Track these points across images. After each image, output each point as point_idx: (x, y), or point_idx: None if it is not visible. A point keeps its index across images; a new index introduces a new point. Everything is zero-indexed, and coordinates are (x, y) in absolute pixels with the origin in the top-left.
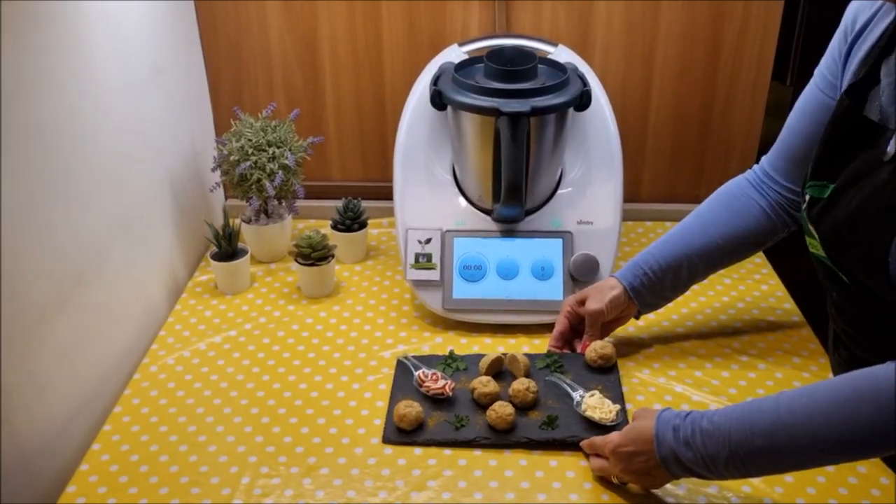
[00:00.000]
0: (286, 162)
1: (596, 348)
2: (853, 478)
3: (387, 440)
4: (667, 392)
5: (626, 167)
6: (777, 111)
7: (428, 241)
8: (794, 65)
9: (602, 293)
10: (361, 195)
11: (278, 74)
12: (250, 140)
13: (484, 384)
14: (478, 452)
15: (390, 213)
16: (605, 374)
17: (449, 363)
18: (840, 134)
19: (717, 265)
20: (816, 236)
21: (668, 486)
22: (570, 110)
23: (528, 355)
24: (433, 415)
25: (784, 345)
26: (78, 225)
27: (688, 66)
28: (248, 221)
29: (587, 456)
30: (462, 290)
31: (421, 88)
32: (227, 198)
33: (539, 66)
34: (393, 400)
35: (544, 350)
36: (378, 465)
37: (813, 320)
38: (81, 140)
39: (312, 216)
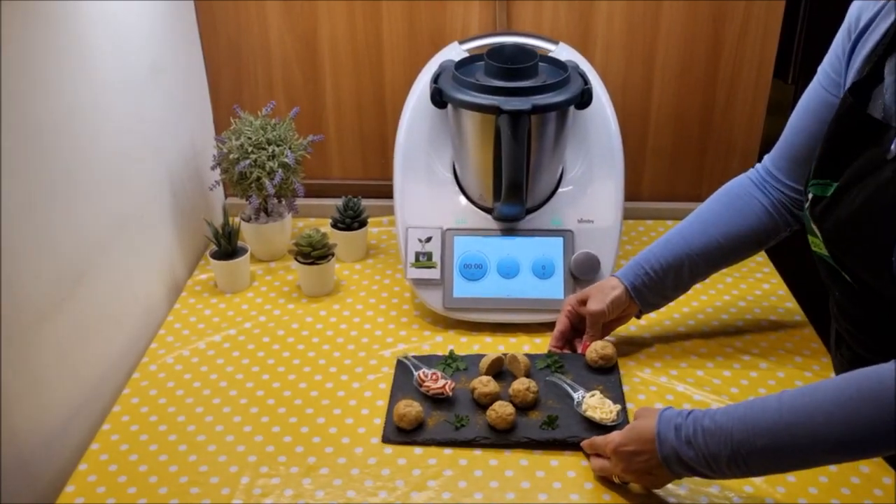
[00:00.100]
0: (286, 160)
1: (597, 348)
2: (855, 477)
3: (386, 440)
4: (668, 391)
5: (627, 165)
6: (778, 109)
7: (428, 239)
8: (795, 62)
9: (603, 293)
10: (361, 193)
11: (278, 73)
12: (250, 138)
13: (484, 384)
14: (478, 452)
15: (390, 211)
16: (605, 374)
17: (449, 363)
18: (843, 132)
19: (719, 264)
20: (819, 235)
21: (669, 486)
22: (571, 108)
23: (528, 355)
24: (433, 414)
25: (786, 344)
26: (77, 224)
27: (689, 65)
28: (248, 220)
29: (588, 456)
30: (462, 288)
31: (421, 86)
32: (226, 196)
33: (540, 64)
34: (393, 399)
35: (545, 349)
36: (378, 464)
37: (814, 319)
38: (81, 139)
39: (312, 215)
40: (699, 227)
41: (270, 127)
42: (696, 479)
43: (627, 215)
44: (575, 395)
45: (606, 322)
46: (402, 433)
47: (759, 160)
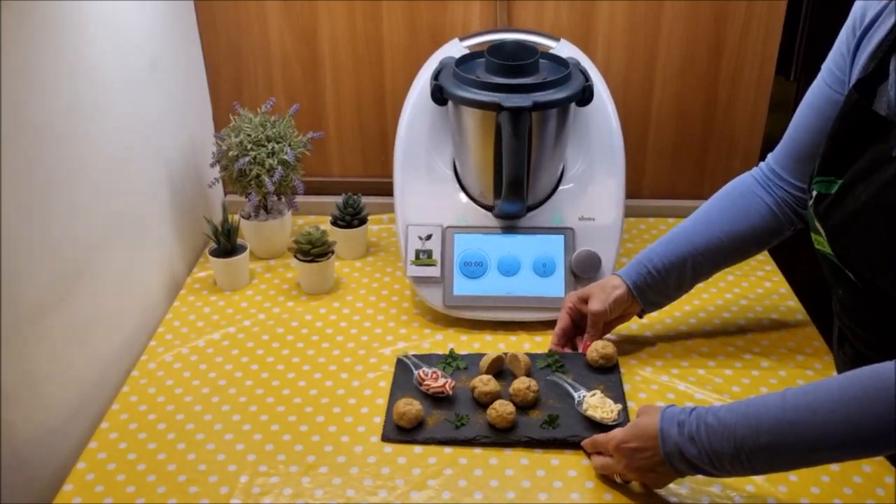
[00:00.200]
0: (285, 157)
1: (597, 348)
2: (858, 477)
3: (386, 438)
4: (669, 390)
5: (628, 163)
6: (780, 107)
7: (428, 237)
8: (797, 60)
9: (605, 293)
10: (361, 191)
11: (278, 70)
12: (249, 135)
13: (485, 383)
14: (478, 451)
15: (390, 209)
16: (606, 373)
17: (449, 362)
18: (848, 129)
19: (722, 264)
20: (823, 233)
21: (670, 485)
22: (572, 106)
23: (528, 355)
24: (433, 413)
25: (788, 343)
26: (76, 222)
27: (690, 62)
28: (248, 217)
29: (589, 455)
30: (463, 286)
31: (421, 83)
32: (226, 193)
33: (541, 60)
34: (392, 398)
35: (545, 347)
36: (378, 463)
37: (816, 318)
38: (80, 137)
39: (312, 212)
40: (702, 226)
41: (270, 124)
42: (698, 478)
43: (628, 213)
44: (576, 395)
45: (607, 321)
46: (401, 432)
47: (761, 158)
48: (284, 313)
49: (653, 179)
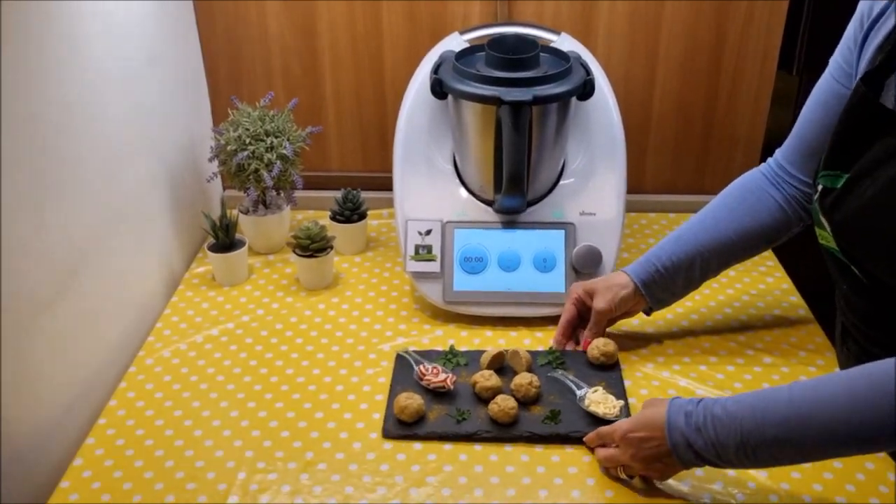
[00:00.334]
0: (284, 152)
1: (598, 346)
2: (860, 474)
3: (387, 433)
4: (671, 386)
5: (629, 158)
6: (783, 102)
7: (428, 232)
8: (800, 54)
9: (612, 291)
10: (361, 186)
11: (277, 63)
12: (248, 129)
13: (486, 378)
14: (478, 448)
15: (390, 203)
16: (607, 371)
17: (449, 358)
18: (855, 122)
19: (731, 261)
20: (828, 227)
21: (671, 482)
22: (573, 100)
23: (529, 352)
24: (434, 408)
25: (790, 339)
26: (73, 217)
27: (692, 56)
28: (246, 212)
29: (591, 451)
30: (463, 282)
31: (421, 77)
32: (224, 188)
33: (541, 54)
34: (392, 394)
35: (546, 343)
36: (377, 460)
37: (819, 314)
38: (77, 131)
39: (311, 207)
40: (711, 224)
41: (269, 118)
42: (700, 475)
43: (630, 208)
44: (578, 391)
45: (611, 318)
46: (402, 426)
47: (763, 152)
48: (283, 309)
49: (654, 174)
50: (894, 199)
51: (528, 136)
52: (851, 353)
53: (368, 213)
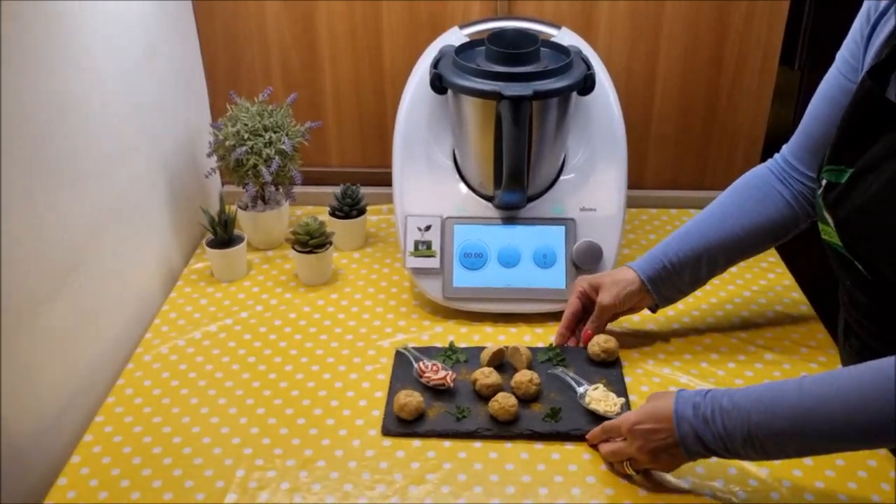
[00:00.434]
0: (283, 147)
1: (599, 342)
2: (863, 472)
3: (386, 431)
4: (671, 383)
5: (630, 153)
6: (785, 97)
7: (428, 228)
8: (802, 48)
9: (618, 286)
10: (360, 181)
11: (275, 58)
12: (246, 125)
13: (486, 375)
14: (478, 445)
15: (389, 199)
16: (607, 367)
17: (449, 355)
18: (861, 116)
19: (738, 258)
20: (831, 223)
21: (672, 480)
22: (574, 94)
23: (529, 348)
24: (434, 405)
25: (791, 335)
26: (71, 212)
27: (693, 50)
28: (245, 208)
29: (594, 448)
30: (462, 278)
31: (421, 72)
32: (223, 184)
33: (542, 49)
34: (392, 391)
35: (546, 339)
36: (376, 457)
37: (820, 310)
38: (74, 126)
39: (310, 203)
40: (718, 220)
41: (267, 113)
42: (701, 473)
43: (630, 204)
44: (578, 388)
45: (615, 313)
46: (402, 424)
47: (765, 148)
48: (282, 305)
49: (655, 169)
50: None
51: (528, 131)
52: (854, 349)
53: (368, 208)
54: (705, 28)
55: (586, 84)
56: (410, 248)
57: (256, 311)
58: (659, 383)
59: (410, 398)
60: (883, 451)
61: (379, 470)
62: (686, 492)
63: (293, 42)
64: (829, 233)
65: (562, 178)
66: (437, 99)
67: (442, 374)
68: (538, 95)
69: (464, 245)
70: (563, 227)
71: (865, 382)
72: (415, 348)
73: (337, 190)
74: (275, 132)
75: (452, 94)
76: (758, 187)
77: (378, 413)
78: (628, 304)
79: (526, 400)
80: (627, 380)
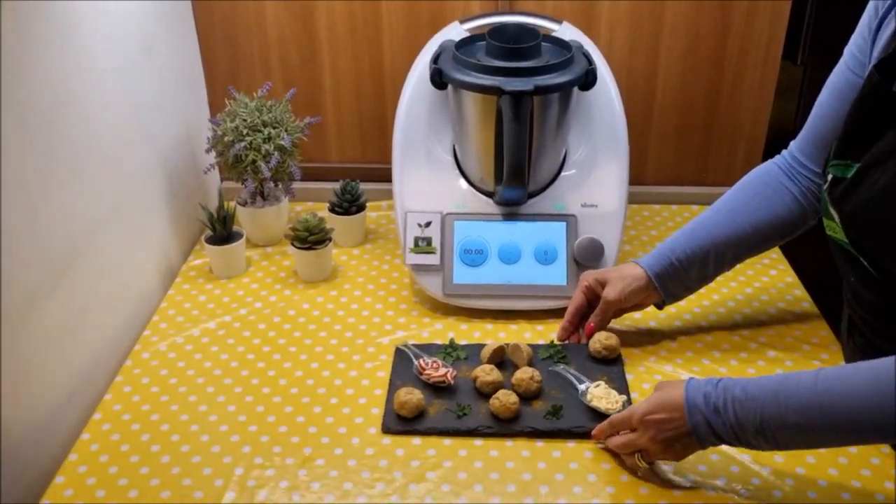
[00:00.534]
0: (282, 143)
1: (601, 339)
2: (866, 470)
3: (386, 428)
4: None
5: (632, 149)
6: (787, 92)
7: (428, 224)
8: (805, 44)
9: (624, 282)
10: (360, 177)
11: (274, 53)
12: (245, 120)
13: (487, 372)
14: (478, 443)
15: (389, 195)
16: (609, 365)
17: (449, 352)
18: (867, 111)
19: (745, 255)
20: (837, 218)
21: (674, 478)
22: (575, 89)
23: (530, 345)
24: (434, 403)
25: (794, 332)
26: (69, 208)
27: (695, 45)
28: (244, 204)
29: (600, 444)
30: (463, 274)
31: (421, 67)
32: (222, 180)
33: (543, 43)
34: (392, 388)
35: (547, 336)
36: (376, 455)
37: (824, 307)
38: (72, 122)
39: (309, 199)
40: (725, 217)
41: (266, 109)
42: (702, 470)
43: (632, 200)
44: (580, 386)
45: (620, 309)
46: (402, 421)
47: (767, 144)
48: (281, 302)
49: (656, 165)
50: None
51: (529, 126)
52: (858, 346)
53: (367, 204)
54: (707, 23)
55: (587, 79)
56: (410, 244)
57: (255, 308)
58: (660, 381)
59: (411, 396)
60: (886, 449)
61: (379, 468)
62: (688, 488)
63: (292, 37)
64: (834, 228)
65: (563, 174)
66: (438, 94)
67: (442, 371)
68: (539, 90)
69: (464, 241)
70: (564, 224)
71: (882, 378)
72: (415, 345)
73: (336, 186)
74: (274, 128)
75: (453, 90)
76: (766, 184)
77: (378, 411)
78: (634, 301)
79: (527, 397)
80: (629, 377)
